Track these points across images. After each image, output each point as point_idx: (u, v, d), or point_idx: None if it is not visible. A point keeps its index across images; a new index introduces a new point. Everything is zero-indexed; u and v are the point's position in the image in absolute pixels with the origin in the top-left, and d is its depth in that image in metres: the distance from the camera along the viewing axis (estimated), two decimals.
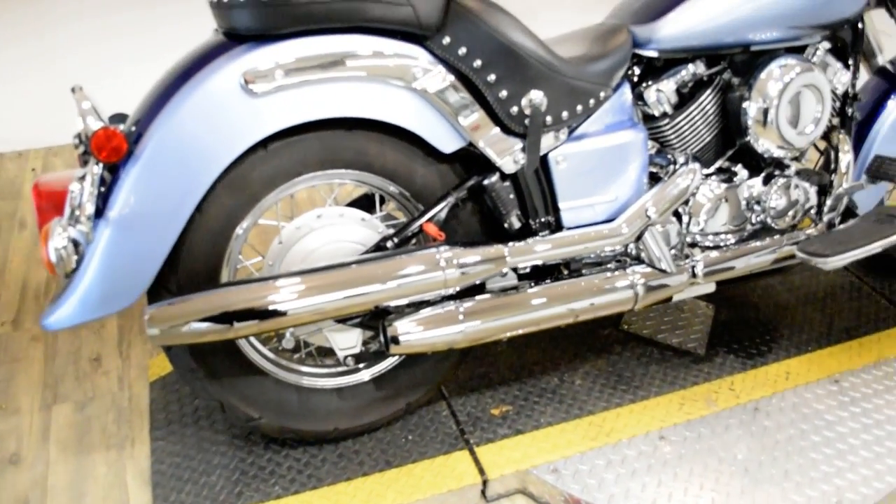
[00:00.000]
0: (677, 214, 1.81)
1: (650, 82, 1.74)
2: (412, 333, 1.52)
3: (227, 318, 1.42)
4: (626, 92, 1.70)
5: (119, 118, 1.46)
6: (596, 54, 1.61)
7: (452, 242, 1.57)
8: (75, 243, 1.34)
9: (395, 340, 1.53)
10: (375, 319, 1.59)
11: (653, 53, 1.70)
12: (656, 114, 1.75)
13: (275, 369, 1.67)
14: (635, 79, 1.75)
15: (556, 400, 1.91)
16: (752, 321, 2.19)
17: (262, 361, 1.65)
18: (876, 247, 1.78)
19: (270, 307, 1.43)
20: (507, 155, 1.56)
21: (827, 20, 1.76)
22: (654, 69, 1.77)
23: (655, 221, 1.69)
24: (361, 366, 1.73)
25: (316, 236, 1.60)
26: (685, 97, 1.78)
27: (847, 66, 1.92)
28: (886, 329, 2.20)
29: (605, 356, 2.05)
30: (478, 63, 1.48)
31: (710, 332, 2.14)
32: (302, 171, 1.52)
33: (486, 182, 1.58)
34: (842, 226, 1.88)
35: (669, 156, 1.76)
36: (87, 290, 1.35)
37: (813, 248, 1.77)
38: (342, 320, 1.60)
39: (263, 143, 1.45)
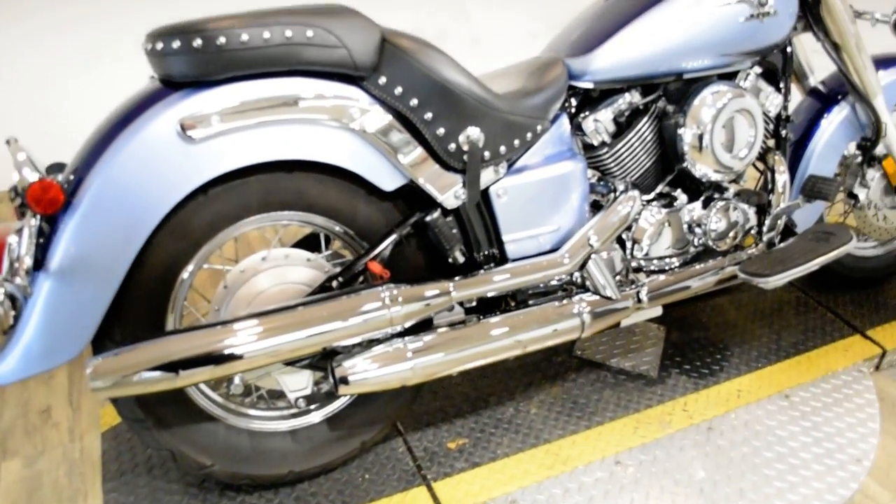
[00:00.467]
0: (621, 241, 1.84)
1: (588, 113, 1.78)
2: (361, 373, 1.52)
3: (173, 366, 1.41)
4: (565, 123, 1.73)
5: (56, 168, 1.45)
6: (532, 88, 1.64)
7: (398, 280, 1.57)
8: (13, 299, 1.32)
9: (344, 381, 1.53)
10: (325, 360, 1.59)
11: (588, 85, 1.73)
12: (595, 143, 1.79)
13: (225, 415, 1.65)
14: (573, 110, 1.78)
15: (512, 430, 1.91)
16: (702, 341, 2.23)
17: (212, 407, 1.63)
18: (814, 264, 1.82)
19: (217, 353, 1.42)
20: (448, 191, 1.57)
21: (755, 47, 1.81)
22: (591, 100, 1.81)
23: (598, 249, 1.72)
24: (313, 407, 1.72)
25: (261, 279, 1.60)
26: (623, 126, 1.82)
27: (779, 90, 1.97)
28: (833, 342, 2.25)
29: (559, 383, 2.06)
30: (414, 102, 1.50)
31: (662, 353, 2.17)
32: (243, 214, 1.52)
33: (428, 218, 1.59)
34: (781, 245, 1.93)
35: (610, 184, 1.79)
36: (28, 345, 1.33)
37: (753, 268, 1.81)
38: (292, 362, 1.60)
39: (203, 189, 1.45)
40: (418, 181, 1.55)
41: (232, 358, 1.44)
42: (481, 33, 3.32)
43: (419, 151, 1.53)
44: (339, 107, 1.46)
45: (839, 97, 2.12)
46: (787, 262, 1.81)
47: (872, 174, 2.20)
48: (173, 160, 1.38)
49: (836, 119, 2.12)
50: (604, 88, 1.78)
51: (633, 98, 1.79)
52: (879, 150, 2.16)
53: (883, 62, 2.17)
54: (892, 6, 2.03)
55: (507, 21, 3.41)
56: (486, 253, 1.67)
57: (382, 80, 1.48)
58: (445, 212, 1.62)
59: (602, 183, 1.81)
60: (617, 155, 1.79)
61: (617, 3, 1.80)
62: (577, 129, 1.79)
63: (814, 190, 1.98)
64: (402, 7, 3.10)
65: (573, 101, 1.78)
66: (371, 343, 1.57)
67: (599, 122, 1.77)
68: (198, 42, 1.33)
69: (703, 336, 2.25)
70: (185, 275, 1.51)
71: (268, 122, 1.42)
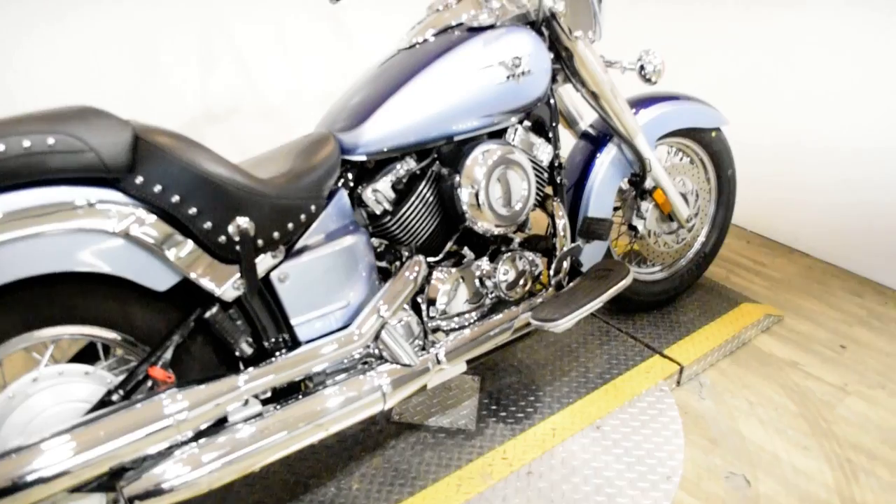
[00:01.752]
0: (416, 304, 1.86)
1: (366, 184, 1.80)
2: (153, 490, 1.44)
3: None
4: (343, 198, 1.74)
5: None
6: (302, 169, 1.63)
7: (183, 382, 1.50)
8: None
9: (138, 498, 1.44)
10: (114, 479, 1.48)
11: (361, 158, 1.75)
12: (378, 212, 1.81)
13: None
14: (351, 183, 1.79)
15: None
16: (516, 385, 2.29)
17: None
18: (597, 303, 1.92)
19: None
20: (226, 283, 1.53)
21: (517, 105, 1.90)
22: (369, 171, 1.83)
23: (389, 319, 1.73)
24: None
25: (33, 403, 1.48)
26: (403, 192, 1.84)
27: (548, 140, 2.08)
28: (636, 365, 2.37)
29: (379, 453, 2.04)
30: (176, 198, 1.45)
31: (478, 404, 2.20)
32: (3, 337, 1.40)
33: (207, 314, 1.54)
34: (568, 287, 2.02)
35: (396, 251, 1.81)
36: None
37: (543, 313, 1.89)
38: (77, 488, 1.48)
39: None
40: (192, 277, 1.50)
41: (7, 492, 1.32)
42: None
43: (189, 247, 1.48)
44: (95, 211, 1.38)
45: (608, 138, 2.27)
46: (572, 305, 1.89)
47: (646, 206, 2.37)
48: None
49: (606, 159, 2.27)
50: (379, 159, 1.80)
51: (409, 165, 1.83)
52: (649, 183, 2.32)
53: (641, 102, 2.34)
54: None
55: None
56: (276, 339, 1.63)
57: (139, 179, 1.42)
58: (227, 304, 1.57)
59: (389, 251, 1.83)
60: (400, 221, 1.82)
61: (381, 75, 1.83)
62: (358, 200, 1.80)
63: (589, 231, 2.09)
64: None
65: (350, 175, 1.79)
66: (162, 453, 1.48)
67: (379, 192, 1.79)
68: None
69: (517, 380, 2.31)
70: None
71: (19, 238, 1.33)
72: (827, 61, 2.86)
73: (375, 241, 1.84)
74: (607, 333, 2.53)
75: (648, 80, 2.14)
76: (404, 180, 1.84)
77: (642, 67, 2.13)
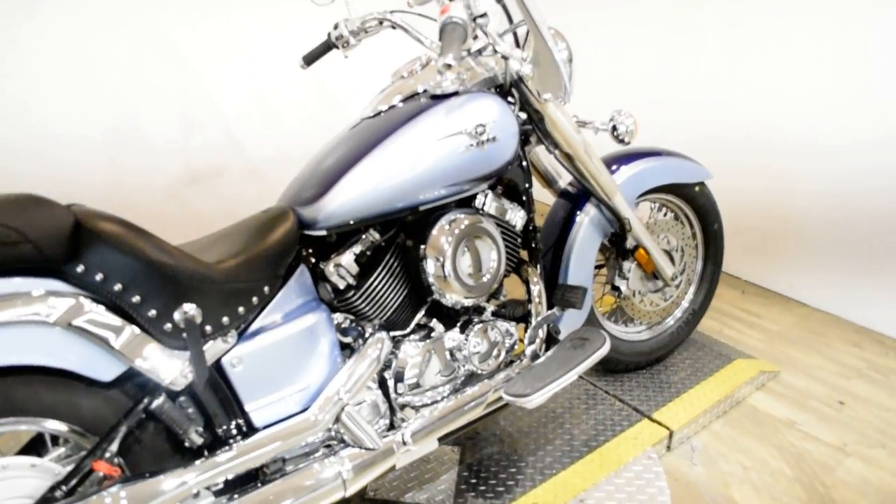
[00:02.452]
0: (383, 380, 1.79)
1: (328, 259, 1.74)
2: None
3: None
4: (304, 274, 1.68)
5: None
6: (255, 249, 1.58)
7: (131, 476, 1.44)
8: None
9: None
10: None
11: (321, 233, 1.70)
12: (342, 287, 1.75)
13: None
14: (312, 259, 1.74)
15: None
16: (497, 456, 2.20)
17: None
18: (572, 375, 1.85)
19: None
20: (174, 371, 1.47)
21: (484, 172, 1.84)
22: (331, 244, 1.77)
23: (350, 400, 1.66)
24: None
25: None
26: (368, 265, 1.78)
27: (521, 203, 2.02)
28: (623, 431, 2.28)
29: None
30: (118, 286, 1.40)
31: (457, 478, 2.12)
32: None
33: (153, 405, 1.47)
34: (541, 359, 1.95)
35: (359, 327, 1.75)
36: None
37: (515, 388, 1.81)
38: None
39: None
40: (138, 366, 1.44)
41: None
42: None
43: (134, 336, 1.43)
44: (34, 303, 1.34)
45: (586, 197, 2.21)
46: (546, 378, 1.82)
47: (628, 265, 2.30)
48: None
49: (585, 219, 2.21)
50: (340, 232, 1.74)
51: (373, 237, 1.77)
52: (630, 242, 2.25)
53: (620, 159, 2.29)
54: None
55: None
56: (229, 426, 1.57)
57: (80, 268, 1.38)
58: (176, 393, 1.51)
59: (354, 326, 1.76)
60: (365, 296, 1.76)
61: (342, 146, 1.79)
62: (321, 275, 1.75)
63: (563, 300, 2.03)
64: None
65: (311, 250, 1.74)
66: None
67: (341, 267, 1.73)
68: None
69: (498, 450, 2.22)
70: None
71: None
72: (818, 106, 2.81)
73: (340, 316, 1.78)
74: (594, 397, 2.44)
75: (622, 141, 2.09)
76: (368, 253, 1.78)
77: (615, 128, 2.08)
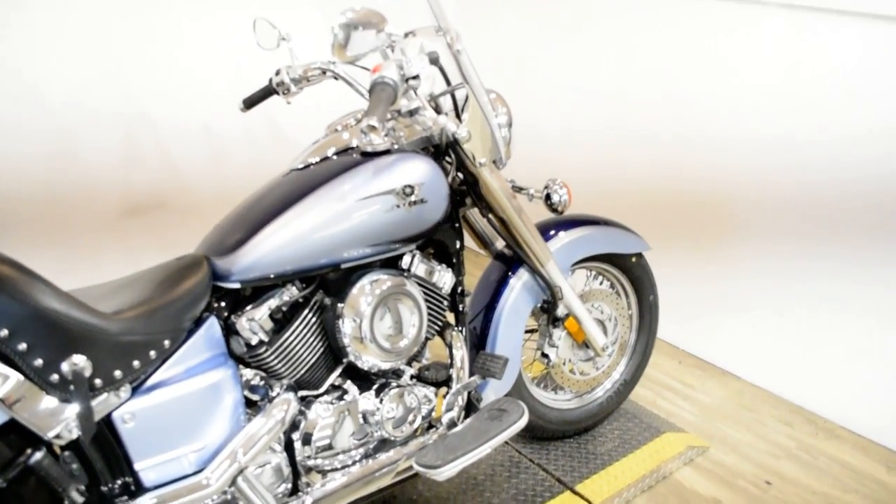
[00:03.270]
0: (290, 443, 1.72)
1: (241, 312, 1.68)
2: None
3: None
4: (213, 326, 1.62)
5: None
6: (159, 300, 1.52)
7: None
8: None
9: None
10: None
11: (234, 285, 1.65)
12: (253, 342, 1.69)
13: None
14: (224, 312, 1.68)
15: None
16: None
17: None
18: (486, 448, 1.80)
19: None
20: (59, 425, 1.40)
21: (410, 233, 1.81)
22: (246, 297, 1.72)
23: (248, 463, 1.59)
24: None
25: None
26: (282, 321, 1.73)
27: (451, 265, 1.99)
28: (543, 502, 2.23)
29: None
30: (3, 332, 1.33)
31: None
32: None
33: (32, 460, 1.39)
34: (456, 428, 1.90)
35: (267, 386, 1.69)
36: None
37: (427, 458, 1.76)
38: None
39: None
40: (20, 418, 1.37)
41: None
42: None
43: (17, 385, 1.36)
44: None
45: (520, 262, 2.18)
46: (458, 450, 1.77)
47: (559, 334, 2.27)
48: None
49: (518, 284, 2.18)
50: (256, 286, 1.69)
51: (289, 293, 1.72)
52: (561, 311, 2.23)
53: (558, 225, 2.27)
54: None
55: None
56: (115, 486, 1.49)
57: None
58: (61, 447, 1.43)
59: (261, 384, 1.70)
60: (277, 353, 1.70)
61: (265, 197, 1.75)
62: (231, 330, 1.69)
63: (483, 368, 1.99)
64: None
65: (224, 302, 1.68)
66: None
67: (254, 321, 1.67)
68: None
69: None
70: None
71: None
72: (762, 175, 2.84)
73: (250, 372, 1.71)
74: (517, 464, 2.39)
75: (555, 210, 2.08)
76: (283, 309, 1.73)
77: (548, 196, 2.07)
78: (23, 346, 1.35)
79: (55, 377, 1.39)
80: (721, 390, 2.98)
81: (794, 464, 2.55)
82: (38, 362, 1.37)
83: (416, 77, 1.70)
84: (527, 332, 2.28)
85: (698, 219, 3.04)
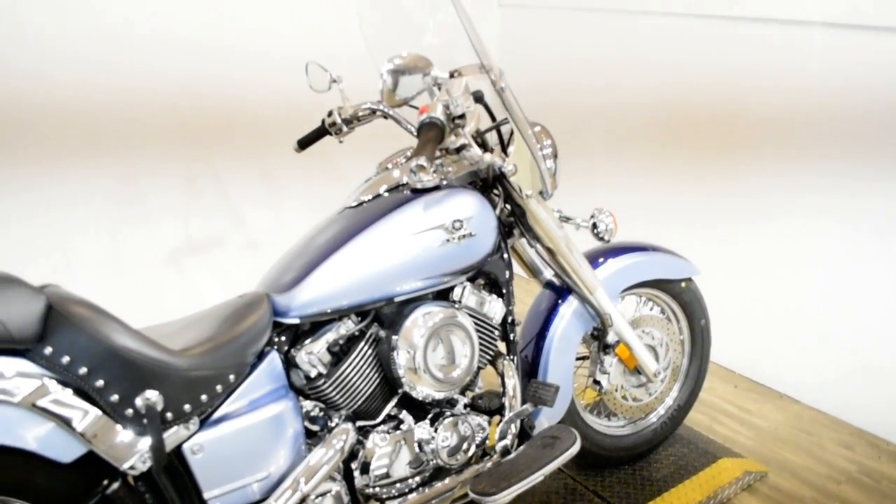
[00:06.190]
0: (349, 472, 1.78)
1: (300, 346, 1.76)
2: None
3: None
4: (274, 360, 1.70)
5: None
6: (223, 337, 1.60)
7: None
8: None
9: None
10: None
11: (294, 321, 1.72)
12: (312, 375, 1.76)
13: None
14: (285, 346, 1.75)
15: None
16: None
17: None
18: (539, 475, 1.83)
19: None
20: (133, 457, 1.48)
21: (461, 266, 1.87)
22: (305, 332, 1.79)
23: (310, 491, 1.65)
24: None
25: None
26: (340, 354, 1.80)
27: (501, 296, 2.04)
28: None
29: None
30: (83, 370, 1.42)
31: None
32: None
33: (110, 490, 1.48)
34: (510, 456, 1.93)
35: (326, 416, 1.75)
36: None
37: (482, 486, 1.80)
38: None
39: None
40: (97, 450, 1.46)
41: None
42: None
43: (95, 419, 1.45)
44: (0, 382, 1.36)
45: (570, 290, 2.22)
46: (512, 477, 1.80)
47: (610, 360, 2.29)
48: None
49: (568, 311, 2.21)
50: (313, 321, 1.76)
51: (346, 326, 1.79)
52: (611, 338, 2.25)
53: (606, 253, 2.30)
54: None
55: None
56: None
57: (48, 350, 1.41)
58: (134, 479, 1.52)
59: (321, 415, 1.77)
60: (335, 384, 1.76)
61: (320, 235, 1.83)
62: (292, 363, 1.76)
63: (535, 396, 2.02)
64: None
65: (283, 337, 1.75)
66: None
67: (313, 355, 1.74)
68: None
69: None
70: None
71: None
72: (808, 203, 2.82)
73: (310, 403, 1.78)
74: (573, 492, 2.40)
75: (601, 238, 2.11)
76: (341, 342, 1.79)
77: (595, 226, 2.10)
78: (100, 383, 1.44)
79: (130, 411, 1.47)
80: (778, 414, 2.95)
81: (855, 488, 2.51)
82: (115, 398, 1.46)
83: (461, 116, 1.76)
84: (578, 359, 2.31)
85: (749, 232, 3.03)
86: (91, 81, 2.76)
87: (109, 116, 2.83)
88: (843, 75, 2.56)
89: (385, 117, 2.13)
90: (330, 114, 2.16)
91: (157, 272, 3.05)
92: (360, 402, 1.81)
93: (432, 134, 1.67)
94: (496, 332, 2.02)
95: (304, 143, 2.25)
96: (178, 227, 3.09)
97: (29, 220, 2.75)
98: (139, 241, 3.01)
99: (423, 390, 1.82)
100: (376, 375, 1.83)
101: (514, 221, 2.09)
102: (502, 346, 2.09)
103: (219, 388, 1.58)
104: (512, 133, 1.99)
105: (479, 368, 2.00)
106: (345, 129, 2.15)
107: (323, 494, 1.74)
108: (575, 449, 1.91)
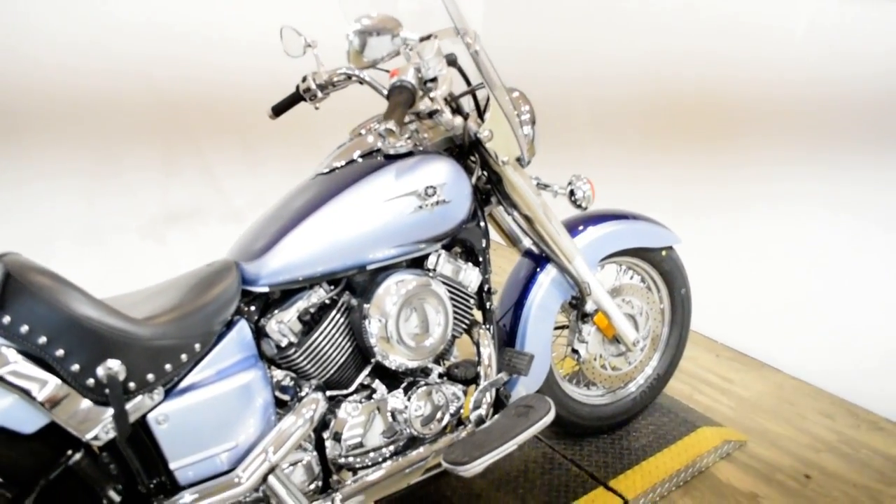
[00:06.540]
0: (320, 441, 1.76)
1: (270, 315, 1.73)
2: None
3: None
4: (244, 330, 1.67)
5: None
6: (189, 306, 1.57)
7: None
8: None
9: None
10: None
11: (263, 289, 1.69)
12: (282, 344, 1.73)
13: None
14: (255, 315, 1.72)
15: None
16: None
17: None
18: (512, 444, 1.81)
19: None
20: (95, 427, 1.46)
21: (434, 233, 1.83)
22: (275, 301, 1.76)
23: (279, 461, 1.63)
24: None
25: None
26: (311, 323, 1.77)
27: (477, 264, 2.01)
28: (577, 499, 2.24)
29: None
30: (42, 340, 1.39)
31: None
32: None
33: (72, 461, 1.46)
34: (484, 425, 1.92)
35: (296, 386, 1.73)
36: None
37: (454, 455, 1.78)
38: None
39: None
40: (59, 421, 1.43)
41: None
42: None
43: (56, 389, 1.42)
44: None
45: (549, 258, 2.19)
46: (485, 446, 1.78)
47: (588, 329, 2.27)
48: None
49: (546, 280, 2.19)
50: (283, 289, 1.73)
51: (317, 295, 1.76)
52: (589, 307, 2.23)
53: (586, 221, 2.27)
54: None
55: None
56: (152, 485, 1.55)
57: (6, 319, 1.38)
58: (98, 448, 1.49)
59: (290, 385, 1.74)
60: (306, 353, 1.74)
61: (291, 202, 1.79)
62: (262, 332, 1.73)
63: (509, 364, 2.00)
64: None
65: (253, 306, 1.72)
66: None
67: (283, 324, 1.71)
68: None
69: None
70: None
71: None
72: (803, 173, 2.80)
73: (280, 373, 1.76)
74: (551, 461, 2.40)
75: (579, 206, 2.08)
76: (312, 311, 1.76)
77: (572, 192, 2.07)
78: (60, 352, 1.41)
79: (91, 381, 1.44)
80: (760, 384, 2.95)
81: (835, 457, 2.52)
82: (75, 367, 1.43)
83: (433, 80, 1.72)
84: (557, 328, 2.29)
85: (731, 205, 3.01)
86: (70, 61, 2.70)
87: (88, 94, 2.77)
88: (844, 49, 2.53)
89: (360, 83, 2.08)
90: (304, 79, 2.11)
91: (136, 244, 3.01)
92: (331, 372, 1.79)
93: (402, 97, 1.62)
94: (472, 301, 2.00)
95: (279, 110, 2.20)
96: (158, 199, 3.05)
97: (6, 191, 2.70)
98: (118, 213, 2.97)
99: (396, 359, 1.80)
100: (348, 344, 1.80)
101: (491, 189, 2.05)
102: (479, 315, 2.06)
103: (184, 357, 1.55)
104: (489, 99, 1.95)
105: (455, 337, 1.98)
106: (319, 94, 2.10)
107: (294, 464, 1.72)
108: (549, 418, 1.89)
